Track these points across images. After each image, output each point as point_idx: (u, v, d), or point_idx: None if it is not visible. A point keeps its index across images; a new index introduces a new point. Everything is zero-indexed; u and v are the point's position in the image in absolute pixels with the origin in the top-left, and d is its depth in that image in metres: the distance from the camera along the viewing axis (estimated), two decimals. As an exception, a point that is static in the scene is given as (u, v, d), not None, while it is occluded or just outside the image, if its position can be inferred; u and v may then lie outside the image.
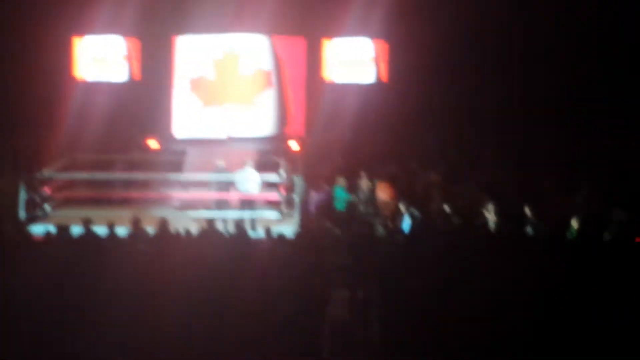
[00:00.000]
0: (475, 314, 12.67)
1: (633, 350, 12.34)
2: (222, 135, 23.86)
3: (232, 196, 18.95)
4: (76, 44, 24.37)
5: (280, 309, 13.04)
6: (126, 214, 16.54)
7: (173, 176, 20.56)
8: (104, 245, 14.07)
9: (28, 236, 15.35)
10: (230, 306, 12.96)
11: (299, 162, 20.60)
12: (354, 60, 24.69)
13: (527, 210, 16.21)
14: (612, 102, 23.47)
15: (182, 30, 24.19)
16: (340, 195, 19.78)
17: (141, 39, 24.42)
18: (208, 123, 24.19)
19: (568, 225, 15.08)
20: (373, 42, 24.69)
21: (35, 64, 23.88)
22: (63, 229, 14.48)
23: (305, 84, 24.56)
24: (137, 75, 24.59)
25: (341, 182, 19.96)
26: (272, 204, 19.83)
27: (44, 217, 18.94)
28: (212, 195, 19.31)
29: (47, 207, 19.35)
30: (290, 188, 19.15)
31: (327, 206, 19.66)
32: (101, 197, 19.76)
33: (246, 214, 18.44)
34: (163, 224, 14.89)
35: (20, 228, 16.25)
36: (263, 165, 20.21)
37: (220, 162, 19.59)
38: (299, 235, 15.39)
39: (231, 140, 23.72)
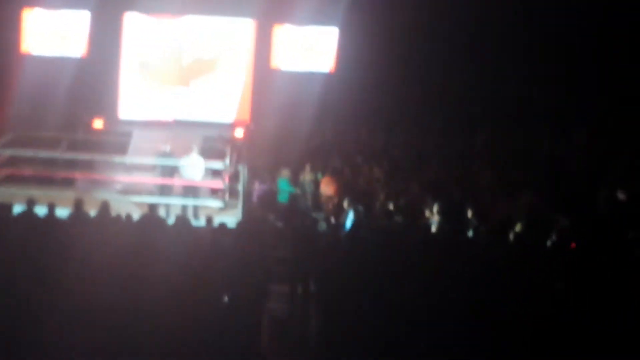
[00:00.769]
0: (413, 313, 12.78)
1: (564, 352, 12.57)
2: (168, 118, 23.76)
3: (176, 182, 18.85)
4: (25, 17, 24.00)
5: (219, 301, 13.06)
6: (69, 194, 16.42)
7: (117, 159, 20.34)
8: (44, 225, 13.96)
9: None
10: (167, 294, 12.80)
11: (243, 151, 20.49)
12: (304, 48, 24.62)
13: (469, 212, 16.38)
14: (557, 105, 23.78)
15: (132, 7, 23.92)
16: (284, 188, 19.74)
17: (92, 14, 24.07)
18: (155, 106, 24.06)
19: (508, 228, 15.23)
20: (324, 31, 24.61)
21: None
22: (4, 207, 14.35)
23: (253, 70, 24.45)
24: (86, 52, 24.29)
25: (285, 174, 19.92)
26: (216, 193, 19.77)
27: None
28: (155, 180, 19.18)
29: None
30: (234, 177, 19.06)
31: (269, 198, 19.61)
32: (44, 175, 19.49)
33: (189, 201, 18.38)
34: (104, 207, 14.83)
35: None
36: (209, 152, 20.10)
37: (166, 147, 19.46)
38: (240, 226, 15.30)
39: (177, 124, 23.62)
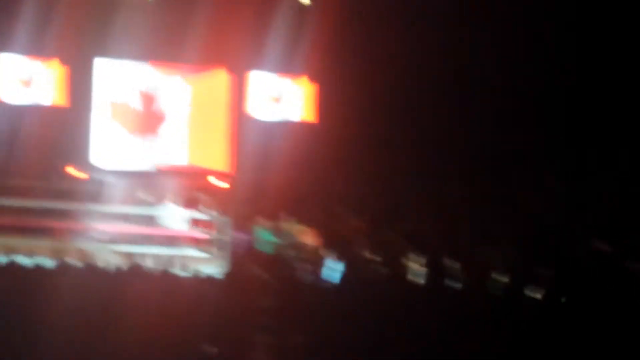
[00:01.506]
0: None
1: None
2: (145, 166, 23.64)
3: (155, 231, 18.71)
4: (-2, 62, 23.91)
5: (203, 352, 12.91)
6: (46, 243, 16.24)
7: (95, 207, 20.17)
8: (28, 277, 13.78)
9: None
10: (150, 345, 12.71)
11: (225, 201, 20.42)
12: (279, 96, 24.61)
13: (448, 261, 16.37)
14: (536, 155, 23.90)
15: (103, 53, 23.85)
16: (264, 237, 19.66)
17: (63, 61, 23.97)
18: (129, 153, 23.89)
19: (488, 278, 15.21)
20: (300, 79, 24.64)
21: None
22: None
23: (232, 120, 24.38)
24: (59, 99, 24.14)
25: (267, 224, 19.86)
26: (197, 242, 19.65)
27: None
28: (133, 228, 19.03)
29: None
30: (216, 227, 18.96)
31: (252, 248, 19.52)
32: (21, 225, 19.27)
33: (170, 251, 18.25)
34: (84, 257, 14.68)
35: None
36: (189, 202, 20.00)
37: (144, 195, 19.32)
38: (225, 277, 15.20)
39: (156, 172, 23.48)
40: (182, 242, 19.17)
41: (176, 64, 23.93)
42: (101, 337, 12.64)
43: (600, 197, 22.31)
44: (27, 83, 23.93)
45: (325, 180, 24.06)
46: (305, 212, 21.44)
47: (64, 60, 23.67)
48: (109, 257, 16.67)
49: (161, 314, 13.14)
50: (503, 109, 24.29)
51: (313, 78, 24.60)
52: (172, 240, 18.54)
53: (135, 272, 14.76)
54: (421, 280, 15.90)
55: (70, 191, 21.61)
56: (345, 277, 15.87)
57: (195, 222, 19.66)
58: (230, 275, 15.66)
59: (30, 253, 14.43)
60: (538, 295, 14.60)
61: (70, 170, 22.84)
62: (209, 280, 14.50)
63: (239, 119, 24.28)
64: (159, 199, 19.15)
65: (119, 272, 14.66)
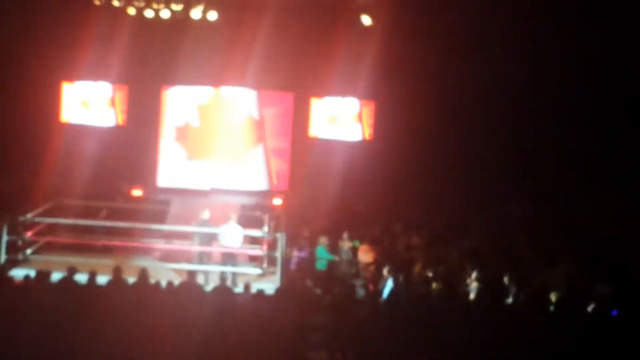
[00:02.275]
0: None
1: None
2: (206, 186, 24.00)
3: (215, 249, 18.90)
4: (64, 90, 24.47)
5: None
6: (107, 262, 16.49)
7: (155, 226, 20.47)
8: (85, 293, 14.03)
9: (7, 280, 15.31)
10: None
11: (282, 219, 20.56)
12: (340, 118, 24.79)
13: (507, 279, 16.30)
14: (592, 173, 23.61)
15: (170, 80, 24.37)
16: (322, 255, 19.77)
17: (129, 86, 24.56)
18: (193, 173, 24.32)
19: (548, 296, 15.11)
20: (360, 101, 24.82)
21: (23, 107, 23.91)
22: (43, 274, 14.45)
23: (291, 140, 24.67)
24: (124, 122, 24.67)
25: (323, 241, 19.96)
26: (254, 260, 19.82)
27: (25, 261, 18.80)
28: (194, 247, 19.24)
29: (29, 251, 19.23)
30: (272, 244, 19.09)
31: (308, 265, 19.64)
32: (83, 243, 19.62)
33: (228, 269, 18.40)
34: (143, 274, 14.88)
35: (0, 271, 16.10)
36: (247, 220, 20.18)
37: (204, 215, 19.51)
38: (279, 293, 15.30)
39: (215, 192, 23.84)
40: (241, 260, 19.33)
41: (239, 88, 24.31)
42: (159, 353, 12.77)
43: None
44: (91, 106, 24.55)
45: (384, 198, 24.10)
46: (365, 230, 21.49)
47: (134, 87, 24.25)
48: (168, 275, 16.87)
49: (219, 331, 13.31)
50: (560, 130, 24.09)
51: (374, 98, 24.76)
52: (231, 258, 18.66)
53: (193, 290, 14.94)
54: (480, 298, 15.87)
55: (133, 211, 22.00)
56: (401, 294, 15.90)
57: (255, 241, 19.80)
58: (286, 292, 15.74)
59: (91, 271, 14.61)
60: (598, 313, 14.51)
61: (134, 190, 23.29)
62: (266, 296, 14.59)
63: (301, 139, 24.57)
64: (219, 218, 19.28)
65: (177, 289, 14.85)
